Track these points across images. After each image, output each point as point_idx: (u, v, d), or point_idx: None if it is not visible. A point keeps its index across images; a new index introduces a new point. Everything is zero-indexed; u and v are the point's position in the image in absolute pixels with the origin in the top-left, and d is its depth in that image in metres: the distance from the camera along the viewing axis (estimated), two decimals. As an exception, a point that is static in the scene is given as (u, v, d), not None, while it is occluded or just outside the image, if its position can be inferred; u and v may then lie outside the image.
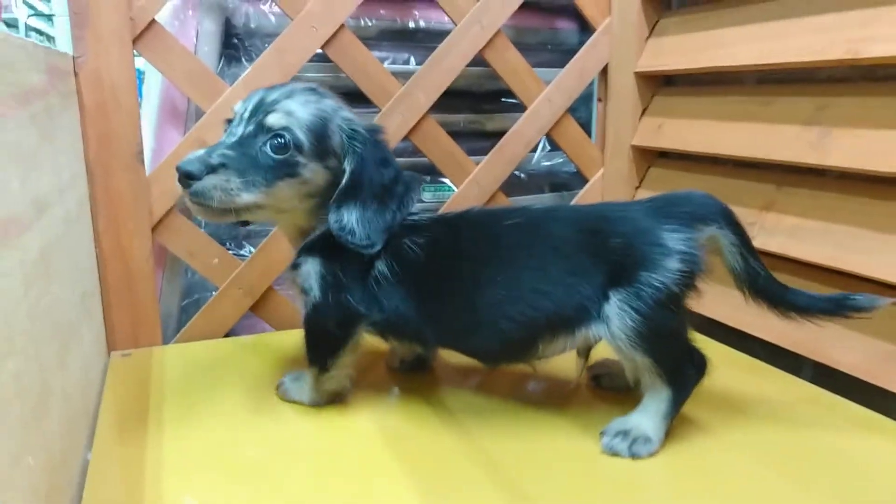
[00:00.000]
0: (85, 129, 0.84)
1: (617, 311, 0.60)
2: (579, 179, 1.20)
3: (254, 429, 0.69)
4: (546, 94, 1.08)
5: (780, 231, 0.85)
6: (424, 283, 0.66)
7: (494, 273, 0.64)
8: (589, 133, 1.20)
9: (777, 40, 0.83)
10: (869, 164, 0.74)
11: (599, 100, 1.15)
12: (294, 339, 0.95)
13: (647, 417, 0.64)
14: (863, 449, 0.66)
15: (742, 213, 0.91)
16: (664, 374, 0.63)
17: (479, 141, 1.15)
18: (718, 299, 0.95)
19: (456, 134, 1.10)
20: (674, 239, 0.61)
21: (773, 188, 0.89)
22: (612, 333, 0.61)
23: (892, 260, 0.72)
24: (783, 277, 0.87)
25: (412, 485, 0.59)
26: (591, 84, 1.16)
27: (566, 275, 0.62)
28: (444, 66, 1.01)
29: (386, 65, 1.06)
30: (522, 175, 1.17)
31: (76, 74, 0.83)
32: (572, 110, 1.17)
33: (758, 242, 0.87)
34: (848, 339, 0.78)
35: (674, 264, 0.60)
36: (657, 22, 1.07)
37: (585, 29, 1.21)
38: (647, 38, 1.07)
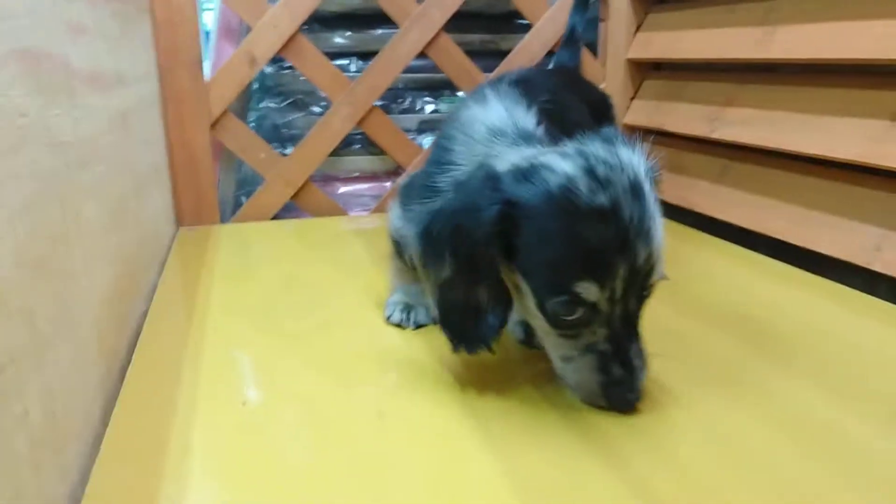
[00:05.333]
0: (157, 40, 1.04)
1: None
2: (586, 95, 1.33)
3: (285, 293, 0.81)
4: (549, 14, 1.22)
5: (736, 122, 0.97)
6: None
7: None
8: (597, 52, 1.32)
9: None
10: (798, 53, 0.85)
11: (601, 20, 1.28)
12: (324, 224, 1.14)
13: None
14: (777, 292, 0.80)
15: (704, 111, 1.05)
16: None
17: (495, 59, 1.29)
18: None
19: (472, 53, 1.25)
20: None
21: (735, 86, 1.01)
22: None
23: (813, 137, 0.84)
24: (730, 161, 1.01)
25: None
26: (597, 7, 1.29)
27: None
28: (457, -12, 1.16)
29: (407, -11, 1.21)
30: (534, 91, 1.31)
31: (149, -5, 1.03)
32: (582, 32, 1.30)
33: (717, 134, 1.00)
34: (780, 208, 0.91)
35: None
36: (650, -55, 1.18)
37: (594, -43, 1.33)
38: (641, -40, 1.19)
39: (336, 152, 1.21)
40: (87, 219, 0.56)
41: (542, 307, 0.49)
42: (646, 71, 1.24)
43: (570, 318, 0.49)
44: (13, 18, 0.44)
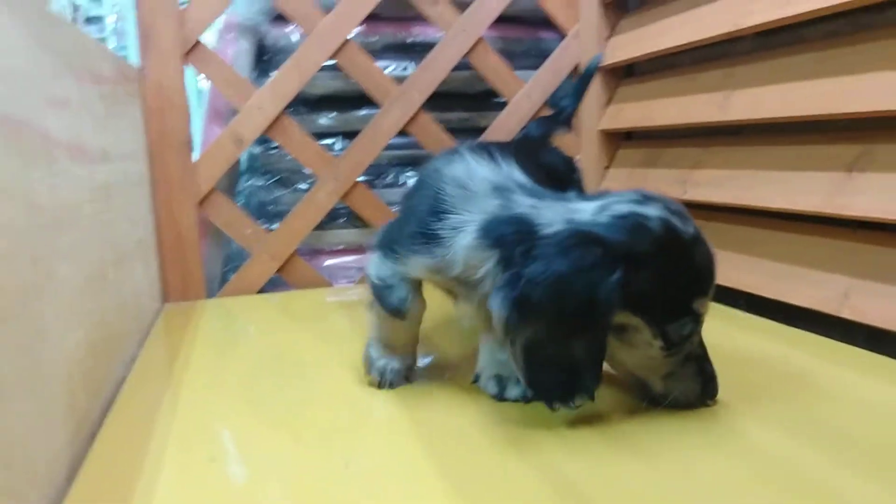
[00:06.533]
0: (147, 123, 1.09)
1: None
2: (565, 167, 1.37)
3: (268, 366, 0.79)
4: (525, 91, 1.28)
5: (704, 184, 1.00)
6: None
7: None
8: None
9: (690, 25, 1.01)
10: (755, 114, 0.89)
11: (575, 95, 1.33)
12: (309, 296, 1.16)
13: None
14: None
15: (675, 175, 1.08)
16: None
17: (474, 136, 1.35)
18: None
19: (453, 130, 1.30)
20: None
21: (701, 150, 1.04)
22: None
23: (776, 192, 0.87)
24: (705, 222, 1.03)
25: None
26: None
27: None
28: (435, 68, 1.22)
29: (388, 72, 1.28)
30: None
31: (141, 81, 1.08)
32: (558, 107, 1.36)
33: (687, 196, 1.03)
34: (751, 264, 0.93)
35: None
36: (616, 24, 1.25)
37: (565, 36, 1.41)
38: (608, 38, 1.25)
39: (321, 226, 1.24)
40: (61, 279, 0.58)
41: (663, 334, 0.55)
42: (618, 141, 1.28)
43: (686, 334, 0.56)
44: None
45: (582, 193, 0.60)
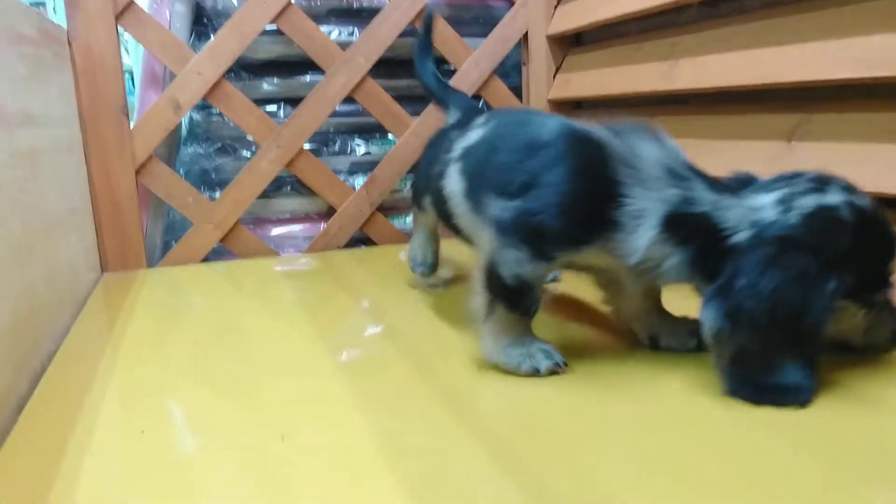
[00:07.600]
0: (78, 88, 1.04)
1: None
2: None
3: (217, 337, 0.78)
4: (473, 58, 1.26)
5: (649, 152, 1.01)
6: None
7: None
8: (521, 96, 1.37)
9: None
10: (699, 83, 0.90)
11: (524, 64, 1.32)
12: (255, 266, 1.14)
13: None
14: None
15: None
16: None
17: (422, 104, 1.33)
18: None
19: (401, 98, 1.28)
20: None
21: (648, 119, 1.05)
22: None
23: (720, 161, 0.88)
24: None
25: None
26: (519, 52, 1.34)
27: None
28: (381, 34, 1.20)
29: (333, 37, 1.25)
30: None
31: (70, 44, 1.03)
32: (507, 76, 1.35)
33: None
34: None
35: None
36: (564, -8, 1.24)
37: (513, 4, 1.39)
38: (556, 6, 1.24)
39: (267, 195, 1.21)
40: (-21, 249, 0.55)
41: (868, 303, 0.57)
42: (568, 110, 1.28)
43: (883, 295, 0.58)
44: None
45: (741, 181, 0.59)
